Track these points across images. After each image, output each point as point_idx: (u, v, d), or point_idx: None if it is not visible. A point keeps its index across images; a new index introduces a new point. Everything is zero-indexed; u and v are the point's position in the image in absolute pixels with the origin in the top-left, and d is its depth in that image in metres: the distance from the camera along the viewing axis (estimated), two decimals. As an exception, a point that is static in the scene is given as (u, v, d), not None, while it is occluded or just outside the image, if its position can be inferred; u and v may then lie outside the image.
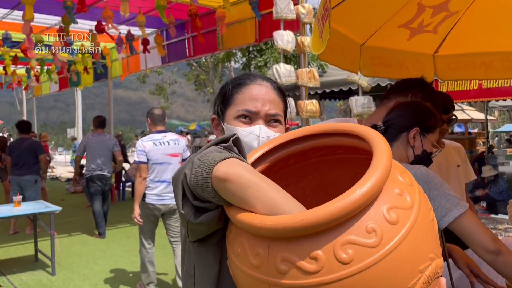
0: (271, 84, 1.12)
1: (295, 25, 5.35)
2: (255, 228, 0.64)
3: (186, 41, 7.43)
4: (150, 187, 3.95)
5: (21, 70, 11.15)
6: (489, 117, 13.30)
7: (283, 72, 4.92)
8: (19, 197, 4.72)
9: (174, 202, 3.80)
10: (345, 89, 7.38)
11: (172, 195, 3.53)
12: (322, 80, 7.62)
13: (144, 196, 3.93)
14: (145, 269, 4.03)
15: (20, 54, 8.62)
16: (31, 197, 5.83)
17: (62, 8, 5.43)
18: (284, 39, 4.96)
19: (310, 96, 7.24)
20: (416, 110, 1.66)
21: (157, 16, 6.23)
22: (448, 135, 2.44)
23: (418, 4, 1.99)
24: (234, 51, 12.94)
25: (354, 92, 7.12)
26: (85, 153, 6.31)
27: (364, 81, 5.24)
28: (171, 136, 4.14)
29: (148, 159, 3.94)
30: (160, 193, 3.98)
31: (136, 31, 7.33)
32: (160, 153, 3.99)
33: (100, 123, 6.56)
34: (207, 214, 0.81)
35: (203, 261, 0.93)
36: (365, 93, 5.80)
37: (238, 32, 6.51)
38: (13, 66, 9.60)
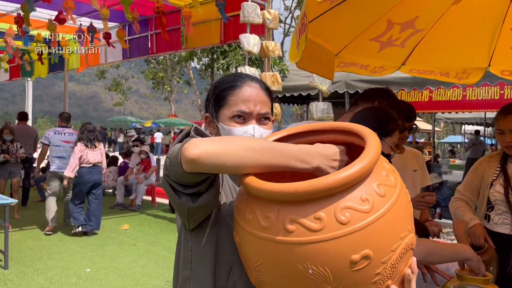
0: (260, 85, 1.22)
1: (260, 30, 5.47)
2: (270, 192, 0.78)
3: (149, 37, 7.36)
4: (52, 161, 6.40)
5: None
6: (436, 128, 14.08)
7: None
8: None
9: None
10: (304, 94, 7.59)
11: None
12: (283, 84, 7.79)
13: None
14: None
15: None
16: None
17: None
18: (250, 42, 5.06)
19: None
20: (376, 115, 1.78)
21: (121, 10, 6.14)
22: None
23: (387, 20, 2.16)
24: (196, 51, 12.91)
25: (312, 98, 7.34)
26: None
27: (325, 87, 5.43)
28: (68, 130, 6.71)
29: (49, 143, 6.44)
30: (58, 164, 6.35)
31: (97, 24, 7.18)
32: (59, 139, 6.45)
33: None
34: (204, 196, 0.95)
35: (201, 246, 1.05)
36: (324, 99, 6.02)
37: (203, 32, 6.54)
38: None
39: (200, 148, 0.82)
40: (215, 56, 11.01)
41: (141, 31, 7.11)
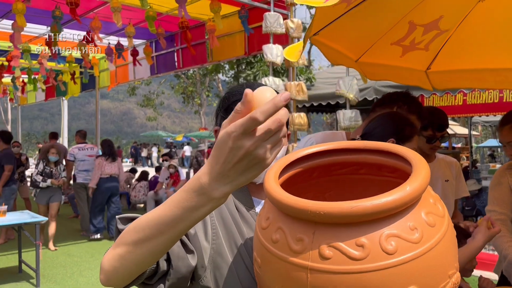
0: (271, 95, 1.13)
1: (284, 39, 5.42)
2: (306, 212, 0.66)
3: (175, 52, 7.45)
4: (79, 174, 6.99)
5: (7, 79, 11.01)
6: (473, 132, 13.55)
7: (272, 85, 4.97)
8: (4, 207, 4.63)
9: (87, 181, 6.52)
10: (332, 102, 7.46)
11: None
12: (310, 93, 7.70)
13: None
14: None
15: (6, 63, 8.54)
16: None
17: (51, 17, 5.40)
18: (273, 52, 5.01)
19: (298, 109, 7.31)
20: (391, 120, 1.66)
21: (147, 27, 6.25)
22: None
23: (409, 22, 2.05)
24: (222, 63, 13.01)
25: (341, 106, 7.20)
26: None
27: (352, 95, 5.30)
28: (89, 145, 7.45)
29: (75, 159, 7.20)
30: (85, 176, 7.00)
31: (125, 41, 7.34)
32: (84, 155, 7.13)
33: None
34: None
35: None
36: (352, 106, 5.88)
37: (228, 44, 6.56)
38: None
39: (103, 274, 0.77)
40: (241, 67, 11.04)
41: (167, 46, 7.22)
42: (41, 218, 4.49)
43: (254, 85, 1.13)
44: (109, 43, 7.29)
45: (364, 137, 1.63)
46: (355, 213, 0.63)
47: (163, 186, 8.69)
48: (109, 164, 6.94)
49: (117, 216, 0.88)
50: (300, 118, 5.17)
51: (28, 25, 6.33)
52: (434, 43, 2.20)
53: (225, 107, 1.12)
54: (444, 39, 2.23)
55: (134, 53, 7.14)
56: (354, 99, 5.28)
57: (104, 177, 6.87)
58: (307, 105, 7.99)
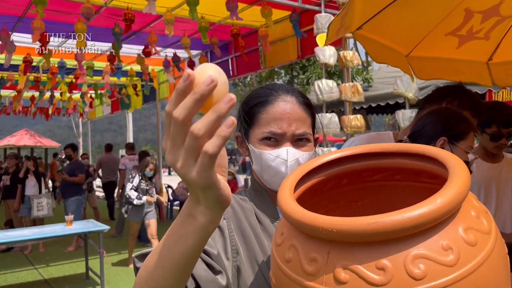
0: (296, 99, 1.03)
1: (337, 40, 5.28)
2: (316, 228, 0.57)
3: (230, 61, 7.54)
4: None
5: (76, 96, 11.75)
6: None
7: (325, 88, 4.85)
8: (71, 217, 4.90)
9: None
10: (391, 102, 7.16)
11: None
12: (368, 94, 7.45)
13: None
14: None
15: (74, 80, 9.10)
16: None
17: (111, 34, 5.66)
18: (326, 53, 4.90)
19: (356, 111, 7.09)
20: (441, 117, 1.50)
21: (201, 38, 6.38)
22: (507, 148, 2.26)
23: (465, 10, 1.88)
24: (276, 69, 13.00)
25: (402, 106, 6.89)
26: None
27: (411, 94, 5.04)
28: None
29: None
30: None
31: (182, 53, 7.54)
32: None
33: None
34: None
35: None
36: (412, 106, 5.59)
37: (280, 50, 6.53)
38: (69, 92, 10.12)
39: None
40: (295, 72, 10.96)
41: (222, 55, 7.33)
42: (104, 227, 4.68)
43: (275, 86, 1.06)
44: (166, 55, 7.53)
45: (412, 137, 1.50)
46: (373, 231, 0.53)
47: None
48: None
49: (133, 255, 0.85)
50: (357, 120, 5.00)
51: (92, 43, 6.72)
52: (495, 31, 2.01)
53: (246, 111, 1.06)
54: (507, 26, 2.03)
55: (191, 64, 7.31)
56: (413, 98, 5.03)
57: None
58: (365, 106, 7.73)
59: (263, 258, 0.91)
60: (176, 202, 10.41)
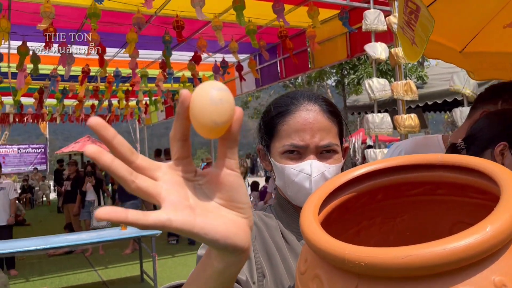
0: (320, 106, 0.95)
1: (387, 37, 5.10)
2: (342, 260, 0.49)
3: (278, 63, 7.51)
4: None
5: (132, 103, 12.21)
6: None
7: (376, 86, 4.68)
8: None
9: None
10: (449, 100, 6.81)
11: None
12: (423, 92, 7.14)
13: None
14: None
15: (130, 88, 9.46)
16: None
17: (162, 42, 5.81)
18: (377, 50, 4.74)
19: (411, 110, 6.81)
20: (501, 119, 1.34)
21: (249, 41, 6.40)
22: None
23: (525, -2, 1.72)
24: (326, 69, 12.80)
25: (461, 103, 6.52)
26: None
27: (469, 90, 4.74)
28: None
29: None
30: None
31: (230, 58, 7.61)
32: None
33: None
34: None
35: None
36: (470, 103, 5.27)
37: (329, 49, 6.41)
38: (125, 99, 10.53)
39: None
40: (345, 71, 10.72)
41: (270, 58, 7.31)
42: (157, 231, 4.80)
43: (297, 94, 0.99)
44: (215, 60, 7.63)
45: (467, 140, 1.36)
46: (409, 266, 0.44)
47: (272, 196, 8.78)
48: None
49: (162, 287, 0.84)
50: (411, 119, 4.78)
51: (144, 51, 6.94)
52: (562, 19, 1.82)
53: (266, 122, 0.99)
54: None
55: (239, 68, 7.36)
56: (472, 95, 4.72)
57: None
58: (420, 104, 7.41)
59: (289, 282, 0.86)
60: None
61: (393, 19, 4.74)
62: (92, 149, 0.40)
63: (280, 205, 1.01)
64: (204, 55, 6.97)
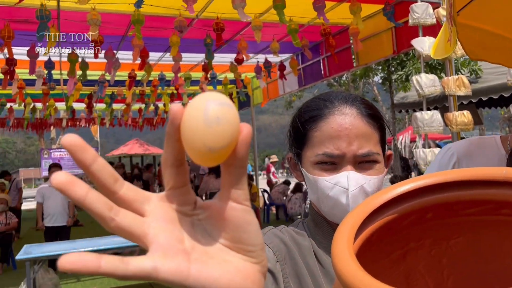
0: (358, 109, 0.84)
1: (436, 31, 4.84)
2: None
3: (321, 61, 7.37)
4: None
5: (177, 105, 12.44)
6: None
7: (425, 82, 4.46)
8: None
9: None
10: (506, 95, 6.39)
11: None
12: (477, 87, 6.76)
13: None
14: None
15: (175, 91, 9.63)
16: None
17: (203, 45, 5.84)
18: (425, 45, 4.51)
19: (463, 106, 6.46)
20: None
21: (291, 41, 6.32)
22: None
23: None
24: (373, 66, 12.47)
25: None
26: None
27: (529, 84, 4.42)
28: None
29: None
30: None
31: (273, 58, 7.55)
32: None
33: None
34: None
35: None
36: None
37: (374, 46, 6.20)
38: (170, 103, 10.74)
39: None
40: (392, 68, 10.35)
41: (313, 56, 7.19)
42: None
43: (331, 95, 0.88)
44: (257, 61, 7.59)
45: None
46: None
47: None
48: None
49: None
50: (463, 116, 4.51)
51: (187, 54, 7.02)
52: None
53: (295, 128, 0.89)
54: None
55: (281, 67, 7.29)
56: (532, 88, 4.39)
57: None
58: (474, 100, 7.01)
59: None
60: (272, 206, 10.47)
61: (442, 12, 4.50)
62: (59, 178, 0.32)
63: (314, 221, 0.90)
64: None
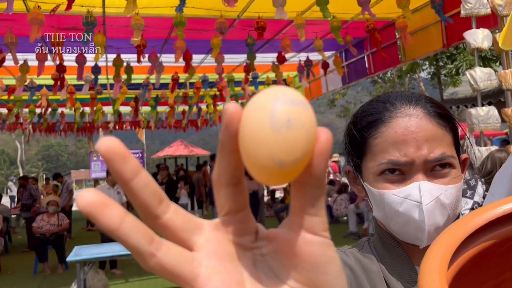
0: (424, 109, 0.72)
1: (490, 21, 4.56)
2: None
3: (366, 58, 7.15)
4: None
5: (220, 107, 12.54)
6: None
7: (480, 76, 4.20)
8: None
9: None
10: None
11: None
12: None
13: None
14: None
15: (218, 93, 9.68)
16: None
17: (245, 46, 5.81)
18: (478, 37, 4.25)
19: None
20: None
21: (334, 38, 6.17)
22: None
23: None
24: (419, 61, 12.03)
25: None
26: None
27: None
28: None
29: None
30: None
31: (316, 56, 7.41)
32: None
33: None
34: None
35: None
36: None
37: (422, 40, 5.94)
38: (213, 104, 10.84)
39: None
40: (441, 62, 9.90)
41: (357, 53, 6.99)
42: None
43: (390, 96, 0.77)
44: (299, 60, 7.48)
45: None
46: None
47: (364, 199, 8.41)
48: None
49: None
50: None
51: (230, 55, 7.02)
52: None
53: (352, 137, 0.78)
54: None
55: (325, 65, 7.14)
56: None
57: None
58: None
59: None
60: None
61: (498, 1, 4.21)
62: (87, 199, 0.25)
63: (382, 242, 0.78)
64: (288, 55, 6.86)
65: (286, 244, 0.30)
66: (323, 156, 0.27)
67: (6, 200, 15.59)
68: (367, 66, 7.17)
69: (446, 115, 0.74)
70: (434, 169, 0.71)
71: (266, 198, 12.62)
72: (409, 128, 0.70)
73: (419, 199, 0.68)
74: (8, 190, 20.38)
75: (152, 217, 0.27)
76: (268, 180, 0.27)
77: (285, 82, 8.71)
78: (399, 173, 0.71)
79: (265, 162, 0.26)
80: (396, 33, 6.09)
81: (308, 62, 7.10)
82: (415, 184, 0.69)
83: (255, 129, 0.26)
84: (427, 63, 13.33)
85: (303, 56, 7.60)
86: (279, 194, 12.46)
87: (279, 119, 0.26)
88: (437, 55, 10.23)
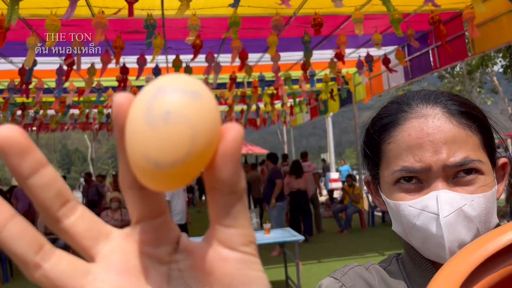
0: (443, 108, 0.63)
1: None
2: None
3: (430, 52, 6.78)
4: None
5: (278, 105, 12.52)
6: None
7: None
8: (268, 225, 5.10)
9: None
10: None
11: None
12: None
13: None
14: None
15: (275, 92, 9.66)
16: None
17: (301, 43, 5.72)
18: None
19: None
20: None
21: (394, 32, 5.90)
22: None
23: None
24: (490, 54, 11.23)
25: None
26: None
27: None
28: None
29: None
30: None
31: (376, 51, 7.15)
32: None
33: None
34: None
35: None
36: None
37: (493, 31, 5.54)
38: (271, 103, 10.83)
39: None
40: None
41: (420, 47, 6.65)
42: (299, 237, 4.67)
43: (406, 96, 0.67)
44: (359, 56, 7.26)
45: None
46: None
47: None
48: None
49: None
50: None
51: (286, 53, 6.96)
52: None
53: (367, 143, 0.70)
54: None
55: (386, 61, 6.86)
56: None
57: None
58: None
59: None
60: (378, 209, 9.96)
61: None
62: None
63: (410, 258, 0.68)
64: (347, 51, 6.68)
65: (201, 260, 0.25)
66: (228, 157, 0.23)
67: (78, 195, 16.61)
68: (431, 60, 6.81)
69: (471, 113, 0.63)
70: (457, 175, 0.60)
71: (324, 198, 12.40)
72: (425, 129, 0.61)
73: (436, 211, 0.58)
74: (81, 186, 21.80)
75: (53, 220, 0.24)
76: (149, 184, 0.23)
77: (344, 79, 8.49)
78: (416, 181, 0.62)
79: (140, 162, 0.22)
80: (464, 25, 5.71)
81: (369, 57, 6.87)
82: (433, 194, 0.59)
83: (131, 124, 0.22)
84: (500, 55, 12.43)
85: (363, 52, 7.36)
86: (337, 194, 12.18)
87: (156, 112, 0.21)
88: (510, 47, 9.49)
